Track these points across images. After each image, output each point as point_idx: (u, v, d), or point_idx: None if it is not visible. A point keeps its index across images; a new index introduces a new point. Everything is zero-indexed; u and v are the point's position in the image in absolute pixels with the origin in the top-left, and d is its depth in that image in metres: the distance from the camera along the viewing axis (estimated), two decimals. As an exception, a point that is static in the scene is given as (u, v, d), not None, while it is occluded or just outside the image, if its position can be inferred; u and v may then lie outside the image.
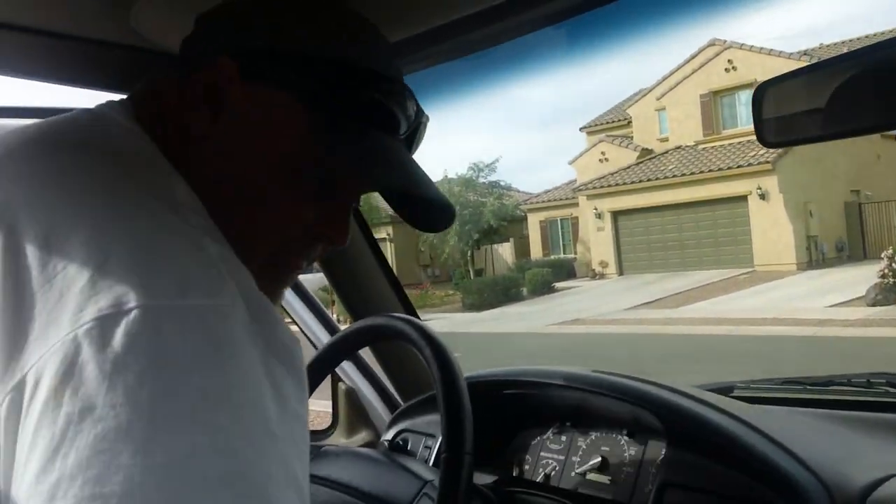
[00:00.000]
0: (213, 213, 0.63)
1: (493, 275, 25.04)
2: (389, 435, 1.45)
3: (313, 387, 1.19)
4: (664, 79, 24.36)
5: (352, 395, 1.69)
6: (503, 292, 21.06)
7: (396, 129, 0.72)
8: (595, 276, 23.38)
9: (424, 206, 0.76)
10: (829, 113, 0.93)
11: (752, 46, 21.42)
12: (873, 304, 13.50)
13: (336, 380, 1.71)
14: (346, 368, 1.73)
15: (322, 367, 1.19)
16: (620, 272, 23.03)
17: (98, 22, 0.93)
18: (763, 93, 0.97)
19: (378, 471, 1.08)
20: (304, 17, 0.71)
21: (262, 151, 0.68)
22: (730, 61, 21.68)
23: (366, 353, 1.70)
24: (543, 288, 21.66)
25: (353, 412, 1.67)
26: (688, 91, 22.82)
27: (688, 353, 10.51)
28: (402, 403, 1.63)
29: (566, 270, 24.27)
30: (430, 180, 0.73)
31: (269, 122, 0.68)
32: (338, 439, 1.69)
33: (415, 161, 0.75)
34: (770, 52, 20.68)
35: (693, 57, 23.19)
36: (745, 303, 15.66)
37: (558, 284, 22.38)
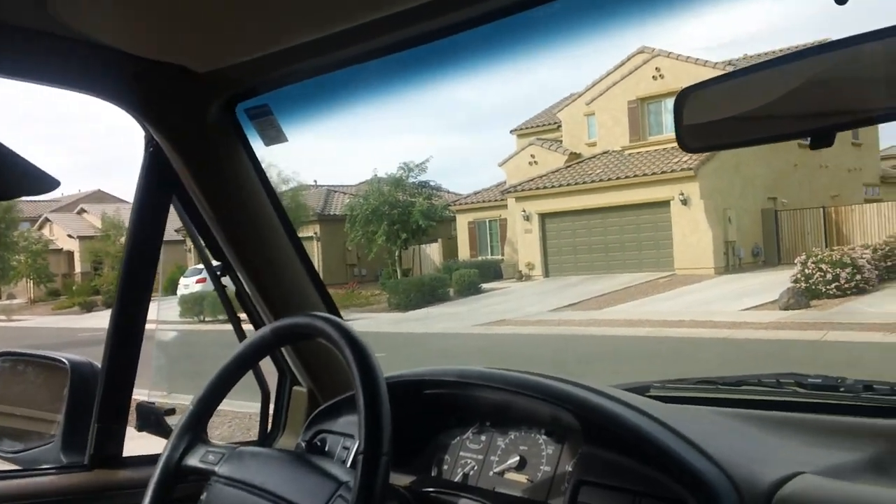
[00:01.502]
0: None
1: (420, 275, 25.03)
2: (307, 436, 1.42)
3: (229, 387, 1.15)
4: (594, 84, 24.80)
5: (302, 397, 1.65)
6: (430, 292, 21.07)
7: None
8: (522, 277, 23.63)
9: None
10: (748, 120, 0.95)
11: (679, 55, 22.02)
12: (786, 308, 14.06)
13: (292, 383, 1.67)
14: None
15: (241, 365, 1.16)
16: (546, 274, 23.34)
17: (15, 6, 0.88)
18: (685, 99, 0.98)
19: (293, 472, 1.05)
20: None
21: None
22: (657, 69, 22.24)
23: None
24: (470, 288, 21.76)
25: (303, 415, 1.62)
26: (616, 97, 23.29)
27: (609, 353, 10.74)
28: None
29: (493, 271, 24.45)
30: None
31: None
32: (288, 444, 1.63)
33: None
34: (696, 62, 21.31)
35: (622, 63, 23.70)
36: (664, 305, 16.09)
37: (485, 285, 22.53)
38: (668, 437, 1.01)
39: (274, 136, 1.43)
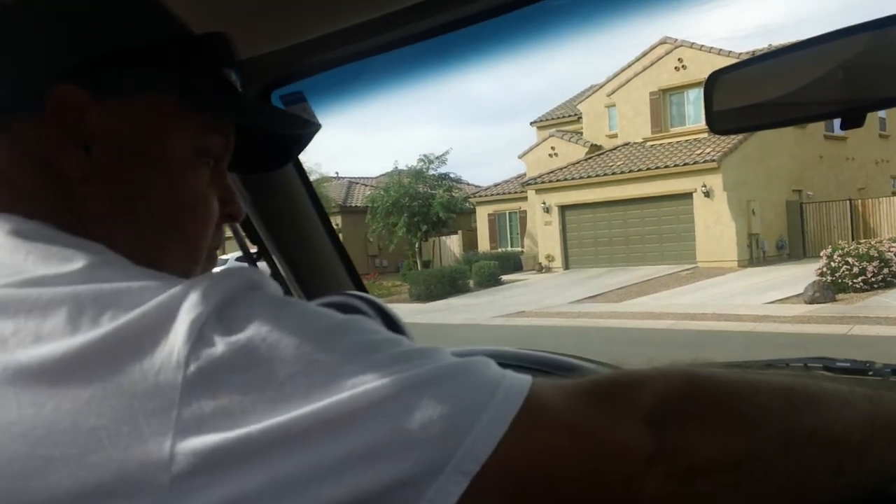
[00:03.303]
0: (127, 245, 0.62)
1: (440, 266, 25.09)
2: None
3: None
4: (615, 75, 24.67)
5: None
6: (450, 284, 21.12)
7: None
8: (541, 269, 23.61)
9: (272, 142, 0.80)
10: (778, 101, 0.97)
11: (702, 45, 21.85)
12: (811, 302, 13.93)
13: None
14: None
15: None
16: (566, 266, 23.30)
17: None
18: (714, 81, 1.00)
19: None
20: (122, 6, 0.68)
21: (151, 165, 0.65)
22: (680, 60, 22.09)
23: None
24: (490, 280, 21.79)
25: None
26: (638, 88, 23.16)
27: (630, 345, 10.72)
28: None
29: (513, 263, 24.46)
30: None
31: (143, 134, 0.65)
32: None
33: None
34: (720, 52, 21.12)
35: (644, 54, 23.57)
36: (687, 298, 16.02)
37: (505, 277, 22.55)
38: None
39: (308, 123, 1.45)
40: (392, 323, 1.05)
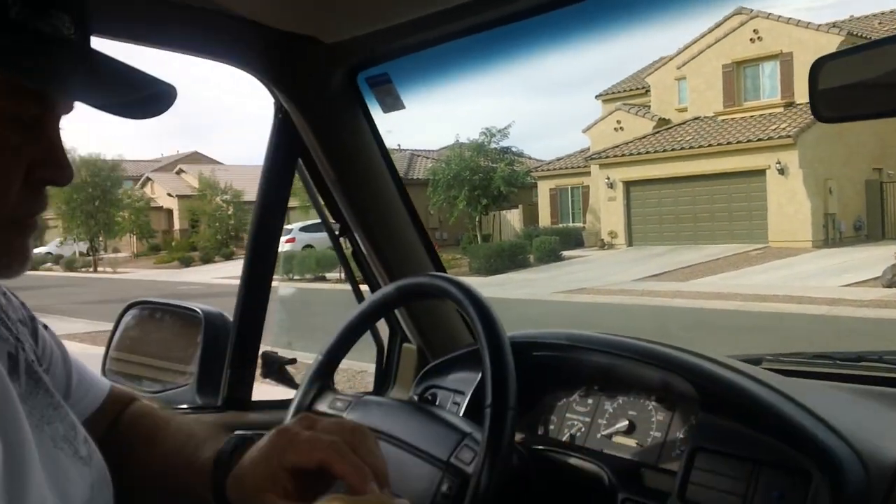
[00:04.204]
0: None
1: (500, 240, 25.03)
2: (419, 390, 1.47)
3: (354, 341, 1.21)
4: (686, 47, 24.05)
5: (412, 353, 1.72)
6: (510, 258, 21.07)
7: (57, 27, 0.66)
8: (603, 245, 23.36)
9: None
10: (886, 89, 0.93)
11: (779, 17, 21.09)
12: (889, 285, 13.38)
13: (402, 340, 1.74)
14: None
15: (365, 320, 1.21)
16: (630, 243, 23.00)
17: None
18: (820, 67, 0.97)
19: (417, 421, 1.10)
20: None
21: None
22: (755, 31, 21.36)
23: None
24: (550, 256, 21.66)
25: (412, 370, 1.69)
26: (710, 60, 22.55)
27: (696, 325, 10.53)
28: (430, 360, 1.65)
29: (574, 239, 24.26)
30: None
31: None
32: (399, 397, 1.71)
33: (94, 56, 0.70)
34: (798, 23, 20.34)
35: (717, 26, 22.86)
36: (757, 279, 15.64)
37: (565, 253, 22.38)
38: (790, 407, 1.01)
39: (392, 103, 1.48)
40: (478, 304, 1.05)
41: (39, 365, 0.84)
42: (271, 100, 1.46)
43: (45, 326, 0.93)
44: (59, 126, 0.71)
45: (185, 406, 1.57)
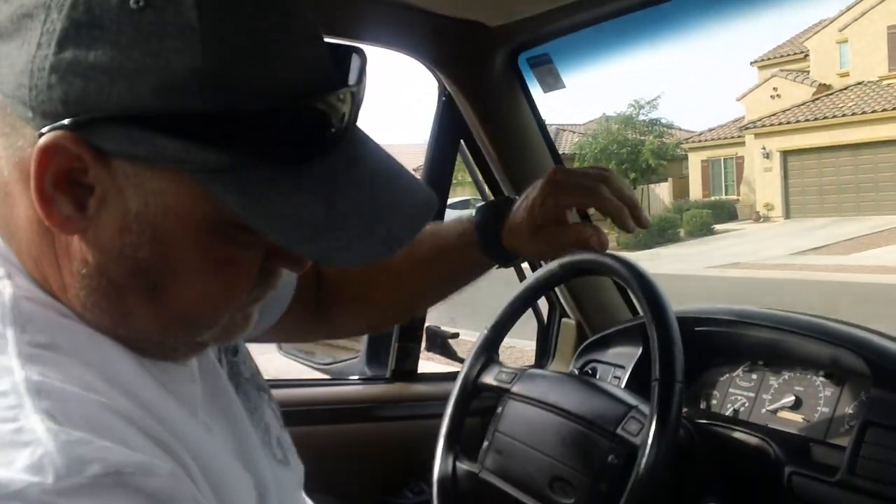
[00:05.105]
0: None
1: (649, 214, 24.36)
2: (579, 364, 1.52)
3: (518, 316, 1.25)
4: (848, 9, 22.39)
5: (570, 328, 1.77)
6: (659, 233, 20.49)
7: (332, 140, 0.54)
8: (759, 218, 22.28)
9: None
10: None
11: (955, -29, 19.21)
12: None
13: (561, 315, 1.79)
14: None
15: (530, 296, 1.25)
16: (787, 215, 21.81)
17: None
18: None
19: (583, 393, 1.12)
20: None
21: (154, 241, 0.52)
22: (928, -14, 19.56)
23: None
24: (702, 230, 20.93)
25: (570, 344, 1.73)
26: (874, 22, 20.99)
27: (860, 300, 9.87)
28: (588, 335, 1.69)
29: (727, 212, 23.27)
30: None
31: (158, 209, 0.51)
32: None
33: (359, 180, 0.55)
34: (978, -24, 18.46)
35: (885, -17, 21.09)
36: (928, 252, 14.44)
37: (718, 227, 21.54)
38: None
39: (552, 83, 1.51)
40: (643, 281, 1.07)
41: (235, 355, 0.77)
42: (422, 84, 1.54)
43: None
44: None
45: (355, 377, 1.69)
